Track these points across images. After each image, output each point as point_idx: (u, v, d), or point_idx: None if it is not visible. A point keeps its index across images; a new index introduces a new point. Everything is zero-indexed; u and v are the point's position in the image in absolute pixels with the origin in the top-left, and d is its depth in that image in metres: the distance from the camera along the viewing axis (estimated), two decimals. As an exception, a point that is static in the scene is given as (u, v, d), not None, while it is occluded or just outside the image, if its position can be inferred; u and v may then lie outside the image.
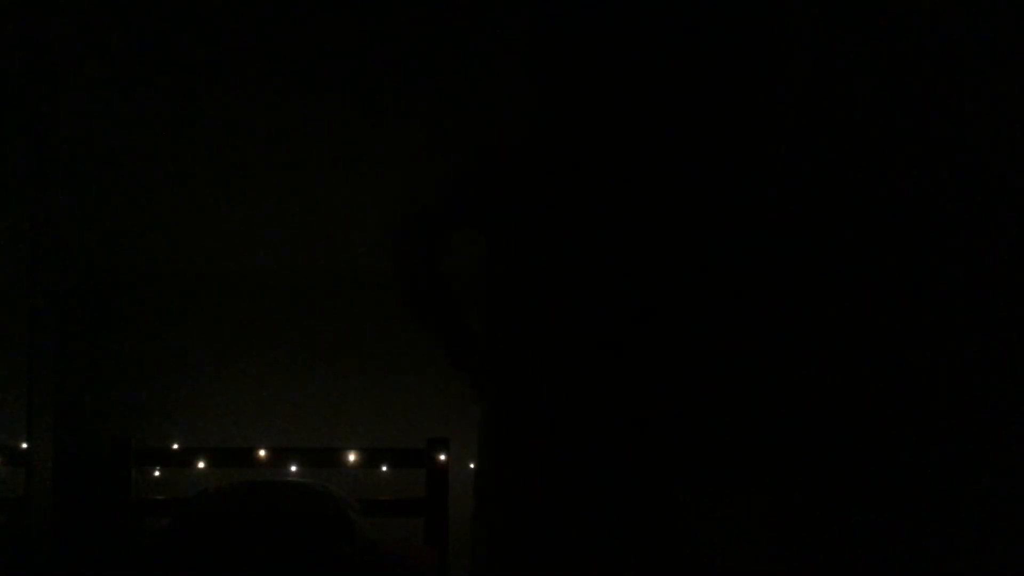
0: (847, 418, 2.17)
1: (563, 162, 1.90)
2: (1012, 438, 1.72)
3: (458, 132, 3.34)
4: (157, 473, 3.28)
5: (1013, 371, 1.71)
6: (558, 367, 1.85)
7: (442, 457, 3.15)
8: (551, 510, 1.82)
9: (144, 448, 3.22)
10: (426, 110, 3.35)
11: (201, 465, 3.22)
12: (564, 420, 1.83)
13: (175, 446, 3.27)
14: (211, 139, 3.37)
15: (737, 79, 1.85)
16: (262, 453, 3.23)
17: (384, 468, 3.23)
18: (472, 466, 3.32)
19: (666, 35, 1.82)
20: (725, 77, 1.84)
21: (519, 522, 1.84)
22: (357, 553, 2.84)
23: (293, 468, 3.23)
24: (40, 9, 3.12)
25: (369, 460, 3.22)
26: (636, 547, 1.81)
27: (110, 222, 3.36)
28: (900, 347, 2.02)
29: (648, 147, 1.83)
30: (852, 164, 2.20)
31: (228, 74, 3.37)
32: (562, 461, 1.83)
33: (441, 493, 3.15)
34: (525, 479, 1.85)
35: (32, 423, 3.02)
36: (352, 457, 3.22)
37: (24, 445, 3.04)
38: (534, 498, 1.83)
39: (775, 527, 2.32)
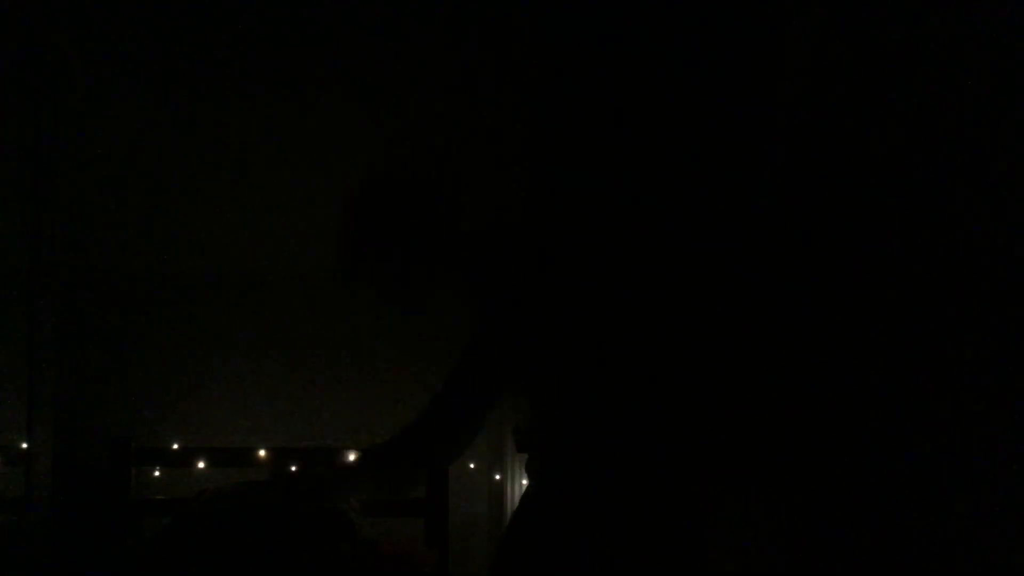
0: (849, 418, 2.17)
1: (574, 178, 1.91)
2: (1012, 438, 1.72)
3: (461, 133, 3.34)
4: (157, 473, 3.28)
5: (1013, 371, 1.71)
6: (576, 372, 1.85)
7: (442, 457, 3.15)
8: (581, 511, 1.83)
9: (144, 448, 3.22)
10: (427, 112, 3.36)
11: (201, 465, 3.22)
12: (585, 423, 1.84)
13: (175, 446, 3.27)
14: (211, 139, 3.37)
15: (737, 85, 1.85)
16: (262, 453, 3.23)
17: (384, 468, 3.22)
18: (472, 466, 3.33)
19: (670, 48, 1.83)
20: (723, 84, 1.84)
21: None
22: (357, 553, 2.84)
23: (293, 468, 3.23)
24: (40, 9, 3.12)
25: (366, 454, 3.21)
26: (645, 547, 1.82)
27: (110, 222, 3.36)
28: (901, 347, 2.02)
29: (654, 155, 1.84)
30: (852, 164, 2.20)
31: (229, 74, 3.37)
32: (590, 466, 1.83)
33: (441, 493, 3.15)
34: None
35: (32, 423, 3.02)
36: (352, 457, 3.22)
37: (24, 445, 3.04)
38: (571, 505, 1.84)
39: (778, 526, 2.32)
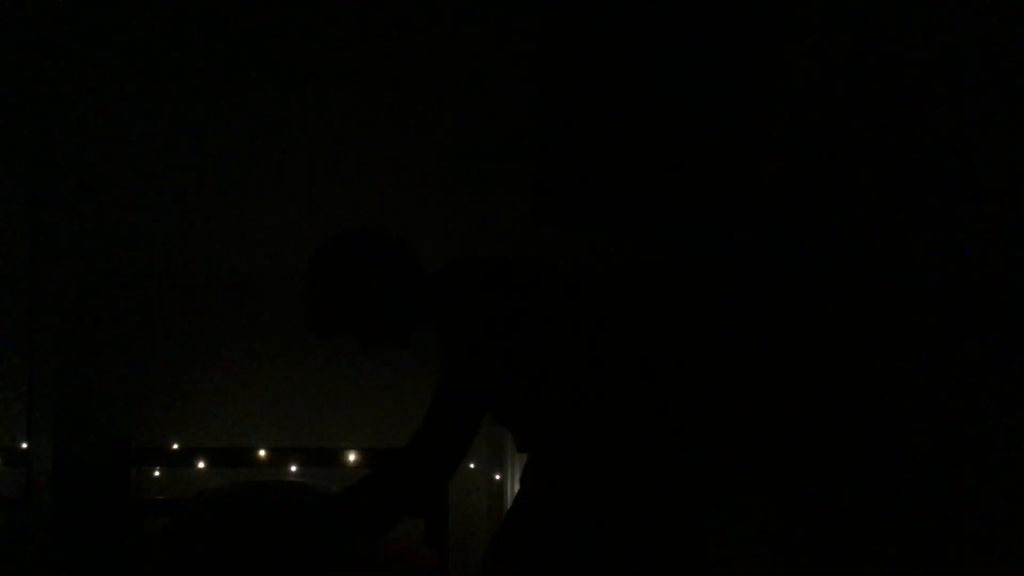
0: (850, 419, 2.17)
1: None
2: (1012, 438, 1.72)
3: (456, 132, 3.35)
4: (157, 473, 3.28)
5: (1013, 371, 1.71)
6: (578, 379, 1.85)
7: (442, 457, 3.14)
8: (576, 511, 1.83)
9: (144, 448, 3.22)
10: (426, 111, 3.36)
11: (201, 465, 3.22)
12: (586, 429, 1.84)
13: (175, 446, 3.26)
14: (211, 139, 3.37)
15: (737, 84, 1.85)
16: (262, 453, 3.23)
17: (384, 468, 3.22)
18: (472, 466, 3.33)
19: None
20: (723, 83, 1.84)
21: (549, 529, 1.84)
22: (357, 553, 2.84)
23: (293, 468, 3.23)
24: (40, 9, 3.12)
25: (369, 460, 3.21)
26: (647, 546, 1.82)
27: (110, 222, 3.36)
28: (902, 348, 2.02)
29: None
30: (852, 164, 2.20)
31: (228, 74, 3.37)
32: (586, 466, 1.83)
33: (441, 493, 3.15)
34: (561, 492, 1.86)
35: (32, 423, 3.02)
36: (352, 457, 3.22)
37: (24, 445, 3.04)
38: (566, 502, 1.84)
39: (780, 526, 2.32)
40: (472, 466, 3.33)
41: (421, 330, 2.05)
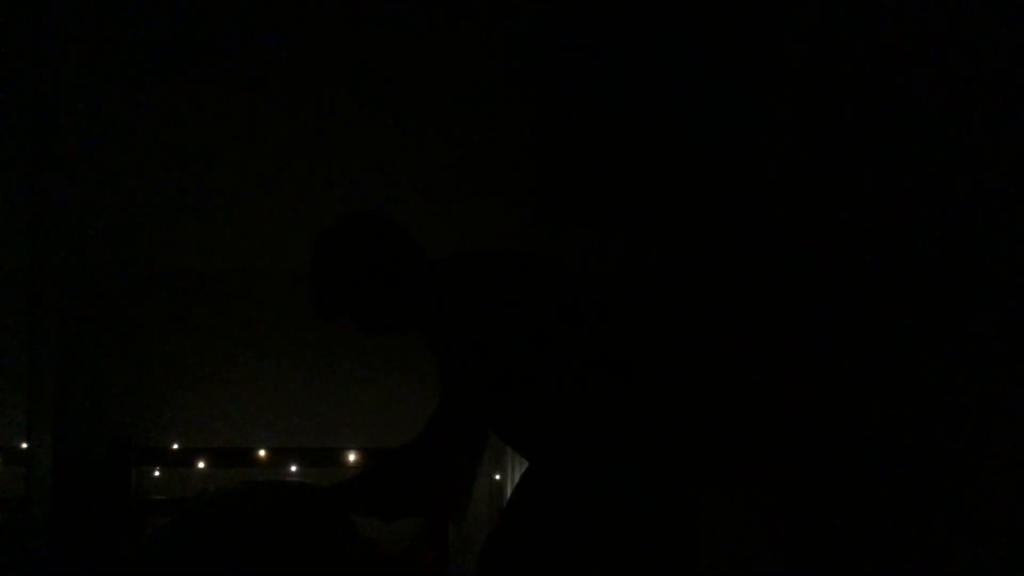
0: (847, 418, 2.17)
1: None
2: (1012, 438, 1.72)
3: (454, 132, 3.35)
4: (157, 473, 3.28)
5: (1013, 371, 1.71)
6: (570, 373, 1.85)
7: (442, 457, 3.14)
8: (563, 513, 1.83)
9: (144, 448, 3.22)
10: (429, 110, 3.36)
11: (201, 465, 3.22)
12: (576, 421, 1.84)
13: (175, 446, 3.26)
14: (212, 139, 3.37)
15: (737, 83, 1.85)
16: (262, 453, 3.23)
17: (384, 468, 3.22)
18: (472, 466, 3.33)
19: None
20: (724, 83, 1.84)
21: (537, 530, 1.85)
22: (357, 553, 2.84)
23: (293, 468, 3.23)
24: (41, 9, 3.12)
25: (369, 460, 3.21)
26: (640, 546, 1.82)
27: (110, 222, 3.36)
28: (901, 348, 2.02)
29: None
30: (851, 165, 2.20)
31: (229, 74, 3.37)
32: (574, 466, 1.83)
33: (443, 493, 3.14)
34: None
35: (32, 423, 3.02)
36: (352, 457, 3.22)
37: (24, 445, 3.04)
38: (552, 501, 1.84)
39: (776, 525, 2.32)
40: (472, 466, 3.32)
41: (420, 319, 2.05)
